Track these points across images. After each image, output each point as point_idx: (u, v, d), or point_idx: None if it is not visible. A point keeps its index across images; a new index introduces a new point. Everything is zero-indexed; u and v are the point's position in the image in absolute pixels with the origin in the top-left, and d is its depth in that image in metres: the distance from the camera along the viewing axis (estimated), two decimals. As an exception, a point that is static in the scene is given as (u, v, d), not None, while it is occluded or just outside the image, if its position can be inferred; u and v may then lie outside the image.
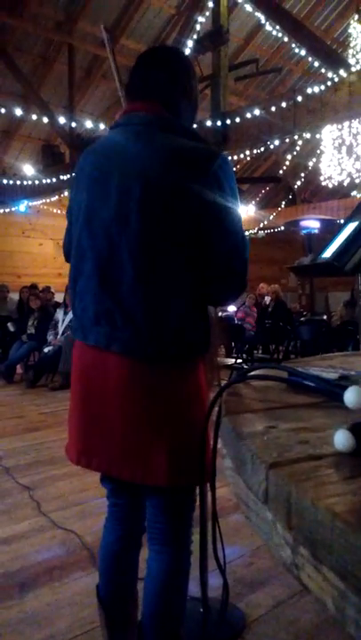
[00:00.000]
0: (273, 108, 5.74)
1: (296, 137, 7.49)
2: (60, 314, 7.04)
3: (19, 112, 7.52)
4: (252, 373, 0.89)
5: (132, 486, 1.40)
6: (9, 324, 7.92)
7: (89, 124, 7.85)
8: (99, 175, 1.31)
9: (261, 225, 12.24)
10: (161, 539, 1.39)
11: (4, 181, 9.24)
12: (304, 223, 10.27)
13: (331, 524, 0.36)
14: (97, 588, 1.48)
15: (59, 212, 10.69)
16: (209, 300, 1.36)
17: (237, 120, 6.04)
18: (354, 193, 11.08)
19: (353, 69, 5.23)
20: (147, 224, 1.22)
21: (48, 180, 8.81)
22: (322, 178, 9.95)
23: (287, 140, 7.62)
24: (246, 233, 1.39)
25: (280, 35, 7.16)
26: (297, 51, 6.74)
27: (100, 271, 1.28)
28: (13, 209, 10.48)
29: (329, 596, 0.38)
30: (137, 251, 1.23)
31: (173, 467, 1.26)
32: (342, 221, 1.66)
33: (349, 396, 0.60)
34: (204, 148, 1.30)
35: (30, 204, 10.43)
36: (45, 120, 8.12)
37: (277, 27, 6.44)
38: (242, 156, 7.95)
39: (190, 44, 6.22)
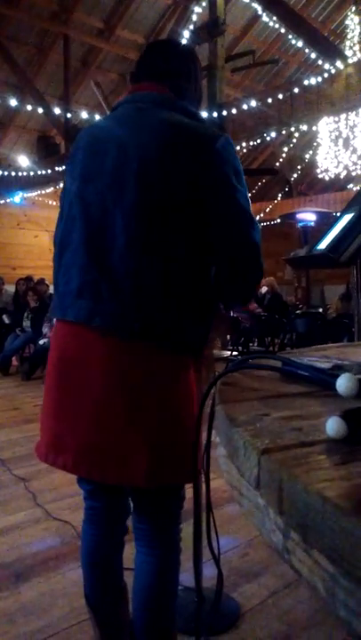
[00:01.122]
0: (270, 100, 5.72)
1: (293, 129, 7.47)
2: (54, 306, 7.02)
3: (14, 102, 7.48)
4: (247, 363, 0.89)
5: (111, 487, 1.33)
6: (4, 316, 7.90)
7: (84, 115, 7.80)
8: (95, 147, 1.28)
9: (257, 217, 12.23)
10: (147, 541, 1.33)
11: (-1, 172, 9.20)
12: (300, 216, 10.27)
13: (321, 509, 0.37)
14: (84, 588, 1.43)
15: (54, 203, 10.64)
16: (224, 295, 1.30)
17: (234, 111, 6.02)
18: (350, 186, 11.08)
19: (350, 61, 5.21)
20: (143, 194, 1.18)
21: (43, 172, 8.76)
22: (318, 170, 9.94)
23: (284, 132, 7.60)
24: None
25: (277, 26, 7.11)
26: (294, 42, 6.70)
27: (89, 240, 1.21)
28: (8, 200, 10.42)
29: (319, 580, 0.38)
30: (131, 219, 1.17)
31: (155, 465, 1.18)
32: (338, 214, 1.66)
33: (342, 383, 0.60)
34: (207, 127, 1.27)
35: (25, 195, 10.38)
36: (41, 111, 8.07)
37: (274, 18, 6.40)
38: (238, 147, 7.92)
39: (187, 34, 6.18)
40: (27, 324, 7.36)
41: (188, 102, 1.36)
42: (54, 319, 1.34)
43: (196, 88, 1.42)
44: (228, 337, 8.51)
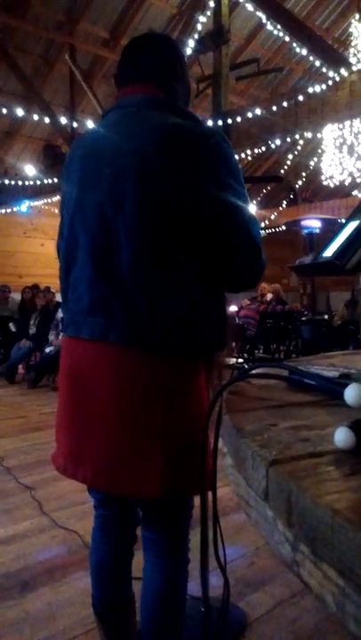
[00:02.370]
0: (274, 108, 5.74)
1: (297, 136, 7.48)
2: (60, 314, 7.04)
3: (20, 112, 7.53)
4: (254, 372, 0.88)
5: (121, 497, 1.32)
6: (10, 324, 7.92)
7: (90, 125, 7.84)
8: (91, 156, 1.24)
9: (263, 224, 12.24)
10: (156, 550, 1.33)
11: (6, 182, 9.26)
12: (305, 223, 10.25)
13: (331, 521, 0.36)
14: (92, 597, 1.42)
15: (60, 212, 10.68)
16: (225, 285, 1.28)
17: (239, 120, 6.04)
18: (355, 192, 11.08)
19: (354, 69, 5.23)
20: (143, 204, 1.15)
21: (49, 181, 8.83)
22: (323, 177, 9.95)
23: (288, 140, 7.62)
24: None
25: (281, 34, 7.16)
26: (298, 50, 6.72)
27: (94, 256, 1.19)
28: (15, 209, 10.49)
29: (329, 593, 0.37)
30: (134, 231, 1.15)
31: (169, 476, 1.17)
32: (343, 221, 1.66)
33: (350, 393, 0.60)
34: (201, 126, 1.23)
35: (32, 204, 10.44)
36: (47, 120, 8.13)
37: (278, 26, 6.43)
38: (243, 155, 7.95)
39: (192, 43, 6.21)
40: (33, 330, 7.35)
41: (178, 100, 1.34)
42: (63, 334, 1.33)
43: (184, 83, 1.38)
44: (233, 344, 8.50)
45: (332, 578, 0.37)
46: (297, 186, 12.45)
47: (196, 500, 1.41)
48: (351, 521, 0.35)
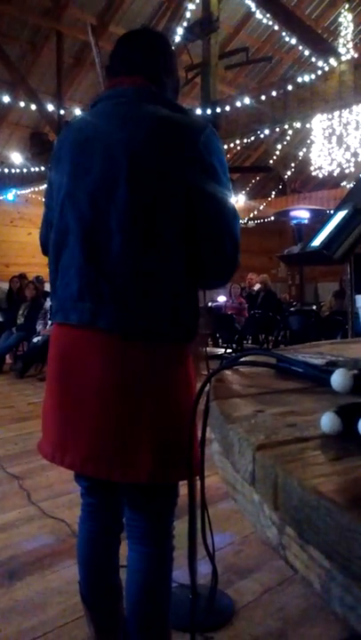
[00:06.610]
0: (263, 97, 5.72)
1: (286, 126, 7.48)
2: (49, 303, 7.00)
3: (6, 99, 7.44)
4: (241, 360, 0.89)
5: (108, 484, 1.33)
6: (-2, 314, 7.87)
7: (78, 112, 7.77)
8: (82, 146, 1.26)
9: (251, 215, 12.24)
10: (141, 539, 1.33)
11: (-8, 170, 9.17)
12: (294, 213, 10.28)
13: (317, 504, 0.36)
14: (79, 585, 1.42)
15: (47, 201, 10.61)
16: (199, 281, 1.30)
17: (227, 109, 6.01)
18: (344, 183, 11.10)
19: (343, 59, 5.22)
20: (135, 191, 1.17)
21: (37, 169, 8.75)
22: (312, 168, 9.96)
23: (277, 130, 7.61)
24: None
25: (270, 23, 7.12)
26: (287, 39, 6.69)
27: (85, 242, 1.21)
28: (1, 198, 10.40)
29: (315, 575, 0.38)
30: (125, 217, 1.17)
31: (158, 461, 1.18)
32: (332, 211, 1.66)
33: (336, 378, 0.60)
34: (191, 119, 1.26)
35: (19, 192, 10.36)
36: (33, 108, 8.05)
37: (268, 15, 6.40)
38: (232, 145, 7.93)
39: (180, 31, 6.16)
40: (21, 320, 7.31)
41: (169, 92, 1.36)
42: (51, 322, 1.34)
43: (174, 77, 1.41)
44: (218, 335, 8.51)
45: (318, 560, 0.37)
46: (286, 176, 12.45)
47: (184, 489, 1.41)
48: (337, 503, 0.35)
